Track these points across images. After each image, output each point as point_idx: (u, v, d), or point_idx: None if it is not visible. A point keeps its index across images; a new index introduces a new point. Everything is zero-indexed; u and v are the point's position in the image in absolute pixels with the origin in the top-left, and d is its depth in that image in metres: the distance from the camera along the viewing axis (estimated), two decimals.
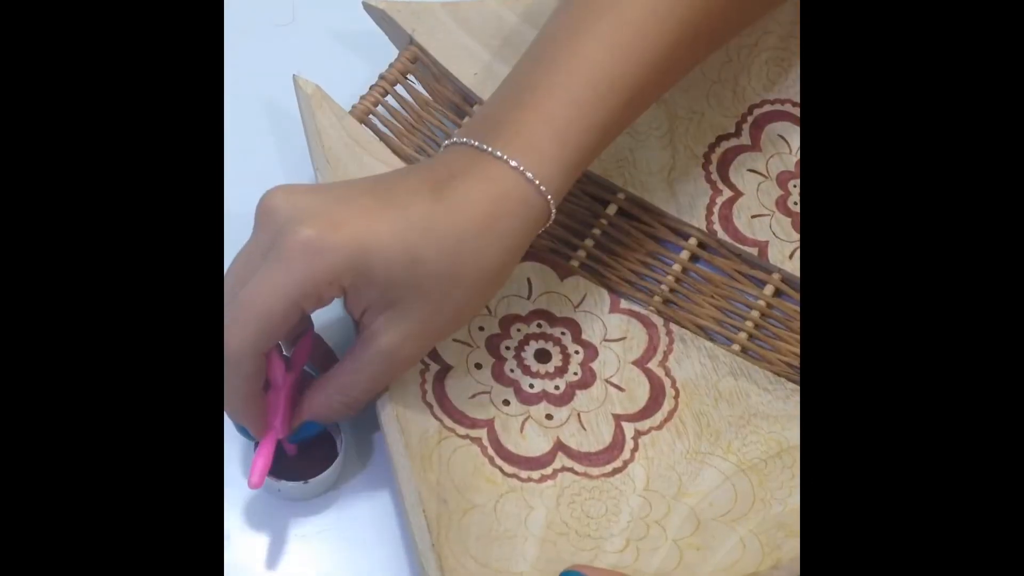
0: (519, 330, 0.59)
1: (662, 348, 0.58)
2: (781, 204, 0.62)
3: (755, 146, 0.64)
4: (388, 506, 0.56)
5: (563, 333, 0.59)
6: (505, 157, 0.49)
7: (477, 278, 0.49)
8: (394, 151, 0.62)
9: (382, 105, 0.63)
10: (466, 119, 0.60)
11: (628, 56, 0.52)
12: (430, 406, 0.55)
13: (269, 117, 0.67)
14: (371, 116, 0.62)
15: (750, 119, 0.65)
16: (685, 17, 0.53)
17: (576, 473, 0.54)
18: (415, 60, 0.64)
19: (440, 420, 0.55)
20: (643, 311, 0.60)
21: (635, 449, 0.55)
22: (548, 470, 0.54)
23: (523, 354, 0.58)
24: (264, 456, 0.51)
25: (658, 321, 0.59)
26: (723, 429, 0.56)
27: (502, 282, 0.51)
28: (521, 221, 0.50)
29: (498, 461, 0.54)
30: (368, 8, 0.64)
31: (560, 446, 0.55)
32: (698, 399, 0.57)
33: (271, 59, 0.64)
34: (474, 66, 0.63)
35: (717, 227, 0.61)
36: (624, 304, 0.60)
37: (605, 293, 0.60)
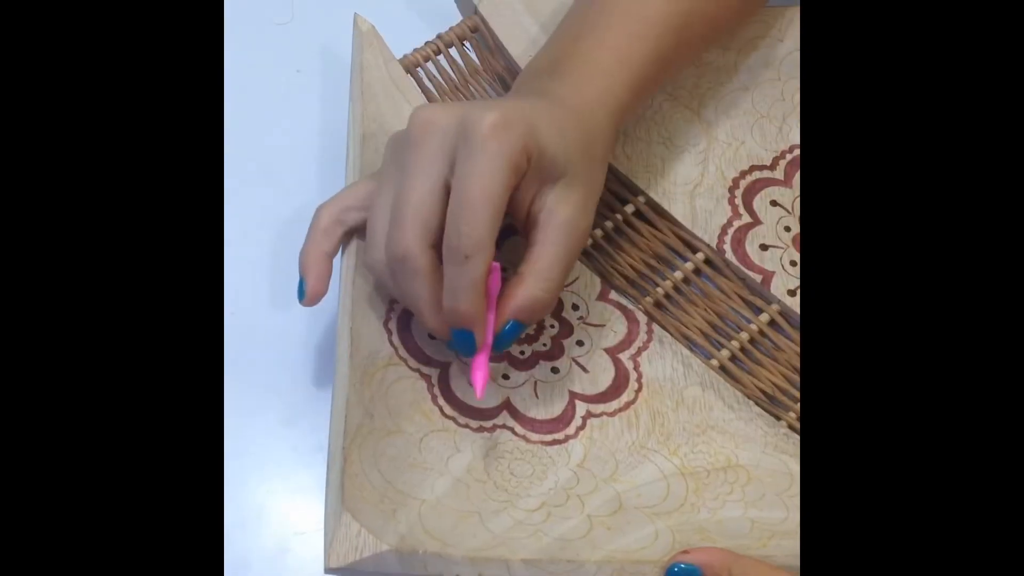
0: None
1: (638, 343, 0.59)
2: (797, 241, 0.62)
3: (787, 182, 0.64)
4: None
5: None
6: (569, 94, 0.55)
7: (601, 154, 0.55)
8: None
9: (432, 62, 0.64)
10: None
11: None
12: (389, 332, 0.55)
13: (269, 115, 0.68)
14: (419, 68, 0.63)
15: (789, 156, 0.65)
16: None
17: (515, 434, 0.54)
18: (475, 30, 0.65)
19: (395, 348, 0.55)
20: (630, 307, 0.60)
21: (581, 428, 0.55)
22: (488, 423, 0.54)
23: None
24: (482, 367, 0.52)
25: (642, 319, 0.59)
26: (675, 432, 0.56)
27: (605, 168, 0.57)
28: (604, 117, 0.56)
29: (440, 401, 0.54)
30: None
31: (507, 405, 0.55)
32: (660, 399, 0.57)
33: (271, 57, 0.64)
34: (530, 48, 0.64)
35: (727, 247, 0.61)
36: (613, 296, 0.60)
37: (598, 281, 0.60)
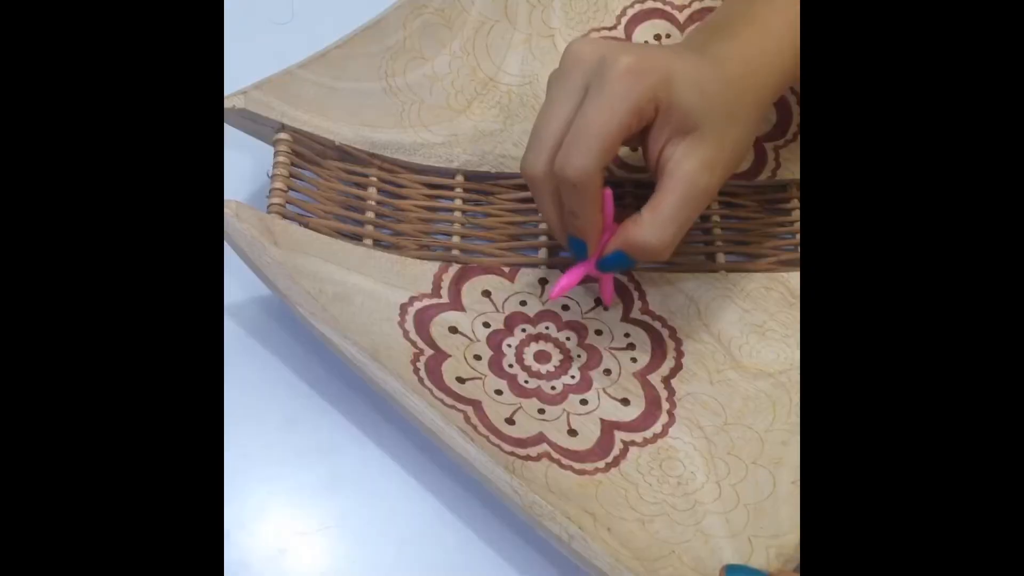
0: (524, 330, 0.59)
1: (668, 363, 0.58)
2: None
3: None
4: (388, 503, 0.56)
5: (568, 338, 0.59)
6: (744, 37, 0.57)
7: (747, 117, 0.56)
8: (314, 229, 0.59)
9: (293, 190, 0.60)
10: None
11: None
12: (421, 380, 0.55)
13: None
14: (289, 205, 0.59)
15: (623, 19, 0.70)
16: None
17: (561, 467, 0.54)
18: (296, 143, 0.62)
19: (430, 390, 0.54)
20: (651, 322, 0.60)
21: (621, 456, 0.55)
22: (533, 452, 0.54)
23: (524, 352, 0.58)
24: (572, 276, 0.56)
25: (665, 333, 0.59)
26: (719, 442, 0.55)
27: (760, 126, 0.60)
28: (765, 79, 0.57)
29: (483, 430, 0.54)
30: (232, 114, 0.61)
31: (544, 438, 0.55)
32: (696, 414, 0.56)
33: (271, 57, 0.64)
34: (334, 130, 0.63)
35: None
36: (634, 315, 0.60)
37: (618, 300, 0.60)
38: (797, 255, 0.62)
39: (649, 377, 0.57)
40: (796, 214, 0.64)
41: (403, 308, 0.58)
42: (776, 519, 0.52)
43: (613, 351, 0.58)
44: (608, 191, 0.54)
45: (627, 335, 0.59)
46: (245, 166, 0.65)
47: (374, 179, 0.63)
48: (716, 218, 0.64)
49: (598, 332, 0.59)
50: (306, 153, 0.61)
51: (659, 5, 0.71)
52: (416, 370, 0.55)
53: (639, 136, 0.55)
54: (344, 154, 0.62)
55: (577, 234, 0.55)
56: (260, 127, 0.61)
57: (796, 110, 0.67)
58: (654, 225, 0.53)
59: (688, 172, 0.53)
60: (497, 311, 0.59)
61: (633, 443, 0.55)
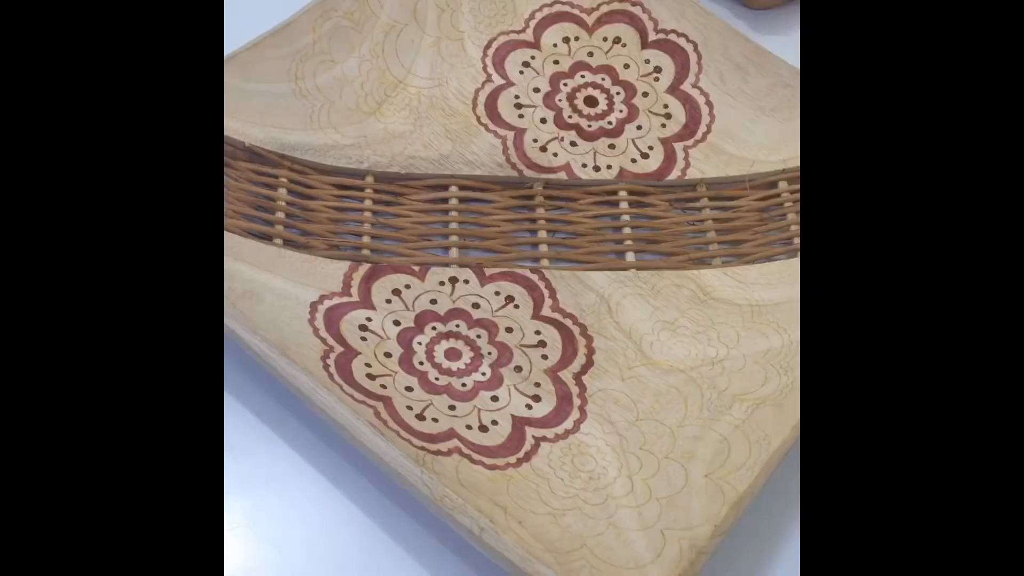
0: (434, 328, 0.58)
1: (579, 360, 0.58)
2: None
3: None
4: (298, 502, 0.55)
5: (478, 336, 0.59)
6: None
7: None
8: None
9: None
10: None
11: None
12: (331, 376, 0.54)
13: None
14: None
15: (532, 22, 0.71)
16: None
17: (472, 461, 0.53)
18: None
19: (340, 385, 0.54)
20: (561, 319, 0.60)
21: (532, 451, 0.55)
22: (444, 447, 0.53)
23: (434, 350, 0.58)
24: None
25: (575, 330, 0.59)
26: (630, 437, 0.55)
27: None
28: None
29: (392, 425, 0.53)
30: None
31: (455, 434, 0.54)
32: (608, 409, 0.56)
33: None
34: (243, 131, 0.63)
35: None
36: (544, 312, 0.60)
37: (528, 299, 0.60)
38: (707, 253, 0.63)
39: (560, 374, 0.57)
40: (706, 212, 0.64)
41: (313, 306, 0.57)
42: (689, 512, 0.52)
43: (524, 348, 0.58)
44: None
45: (538, 332, 0.59)
46: None
47: (284, 180, 0.62)
48: (626, 217, 0.64)
49: (508, 330, 0.59)
50: None
51: (567, 8, 0.71)
52: (326, 366, 0.54)
53: None
54: (254, 155, 0.62)
55: None
56: None
57: (705, 111, 0.68)
58: None
59: None
60: (407, 309, 0.59)
61: (544, 439, 0.55)
